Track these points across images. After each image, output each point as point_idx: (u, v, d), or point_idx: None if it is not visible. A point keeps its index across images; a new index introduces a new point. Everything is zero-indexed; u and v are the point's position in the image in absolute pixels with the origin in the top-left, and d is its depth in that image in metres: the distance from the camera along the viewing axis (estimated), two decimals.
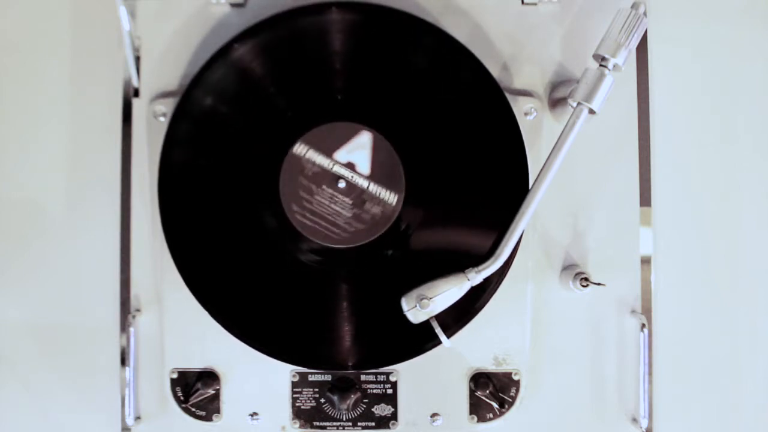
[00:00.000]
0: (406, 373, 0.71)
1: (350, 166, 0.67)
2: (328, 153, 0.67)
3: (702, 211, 0.75)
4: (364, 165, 0.67)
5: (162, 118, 0.70)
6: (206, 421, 0.71)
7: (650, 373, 0.71)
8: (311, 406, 0.71)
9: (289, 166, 0.67)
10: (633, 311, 0.72)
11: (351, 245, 0.67)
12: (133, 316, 0.71)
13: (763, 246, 0.75)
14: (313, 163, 0.67)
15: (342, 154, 0.67)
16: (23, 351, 0.75)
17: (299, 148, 0.67)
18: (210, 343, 0.70)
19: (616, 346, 0.72)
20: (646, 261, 0.73)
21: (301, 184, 0.67)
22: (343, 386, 0.70)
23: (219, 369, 0.71)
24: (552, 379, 0.73)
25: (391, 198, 0.67)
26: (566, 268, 0.72)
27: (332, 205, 0.67)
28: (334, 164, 0.67)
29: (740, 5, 0.76)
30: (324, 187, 0.67)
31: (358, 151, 0.67)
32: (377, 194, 0.67)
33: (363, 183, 0.67)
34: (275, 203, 0.67)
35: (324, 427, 0.71)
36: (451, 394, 0.71)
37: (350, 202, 0.67)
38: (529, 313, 0.71)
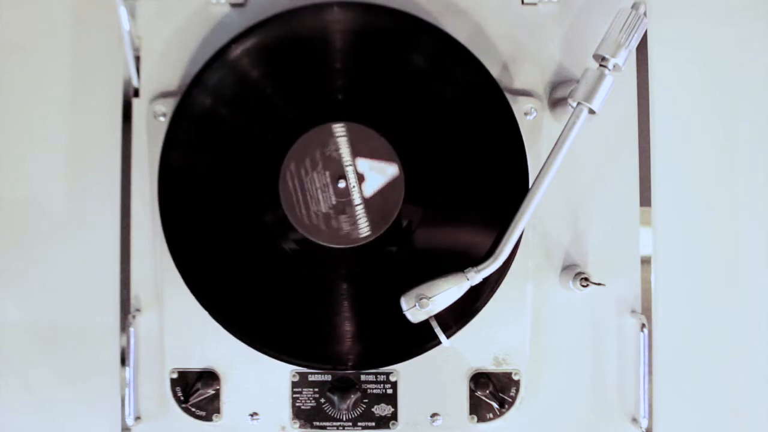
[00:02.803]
0: (406, 373, 0.71)
1: (360, 178, 0.67)
2: (355, 153, 0.67)
3: (702, 211, 0.75)
4: (371, 188, 0.67)
5: (162, 118, 0.70)
6: (206, 421, 0.71)
7: (650, 373, 0.71)
8: (311, 406, 0.71)
9: (315, 135, 0.66)
10: (633, 311, 0.72)
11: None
12: (133, 316, 0.71)
13: (763, 246, 0.75)
14: (337, 149, 0.66)
15: (363, 163, 0.67)
16: (23, 351, 0.75)
17: (338, 129, 0.66)
18: (210, 343, 0.70)
19: (616, 346, 0.72)
20: (646, 261, 0.73)
21: (313, 155, 0.66)
22: (343, 386, 0.70)
23: (219, 369, 0.71)
24: (552, 379, 0.73)
25: (364, 230, 0.67)
26: (566, 268, 0.72)
27: (318, 191, 0.67)
28: (351, 165, 0.67)
29: (740, 5, 0.76)
30: (327, 173, 0.67)
31: (377, 174, 0.66)
32: (357, 217, 0.67)
33: (357, 199, 0.67)
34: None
35: (324, 427, 0.71)
36: (451, 394, 0.71)
37: (334, 202, 0.67)
38: (529, 313, 0.71)
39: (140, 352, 0.72)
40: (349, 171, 0.67)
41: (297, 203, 0.67)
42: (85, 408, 0.74)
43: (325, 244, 0.67)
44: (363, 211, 0.67)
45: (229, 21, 0.72)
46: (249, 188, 0.68)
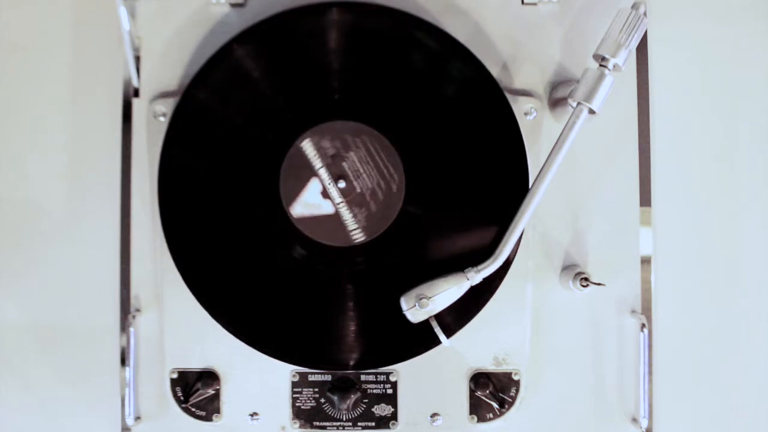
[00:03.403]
0: (406, 373, 0.71)
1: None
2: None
3: (702, 211, 0.75)
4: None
5: (162, 118, 0.70)
6: (206, 421, 0.71)
7: (650, 373, 0.71)
8: (311, 406, 0.71)
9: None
10: (633, 311, 0.72)
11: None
12: (133, 316, 0.71)
13: (763, 246, 0.75)
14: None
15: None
16: (23, 351, 0.75)
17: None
18: (210, 343, 0.70)
19: (616, 346, 0.72)
20: (646, 261, 0.73)
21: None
22: (343, 386, 0.70)
23: (219, 369, 0.71)
24: (552, 379, 0.73)
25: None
26: (566, 268, 0.72)
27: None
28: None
29: (740, 5, 0.76)
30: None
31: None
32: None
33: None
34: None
35: (324, 427, 0.71)
36: (451, 394, 0.71)
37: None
38: (529, 313, 0.71)
39: (140, 352, 0.72)
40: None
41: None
42: (85, 408, 0.74)
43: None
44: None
45: (229, 21, 0.72)
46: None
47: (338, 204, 0.67)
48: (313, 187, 0.67)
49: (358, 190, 0.67)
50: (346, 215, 0.67)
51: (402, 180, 0.67)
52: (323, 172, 0.67)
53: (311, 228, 0.67)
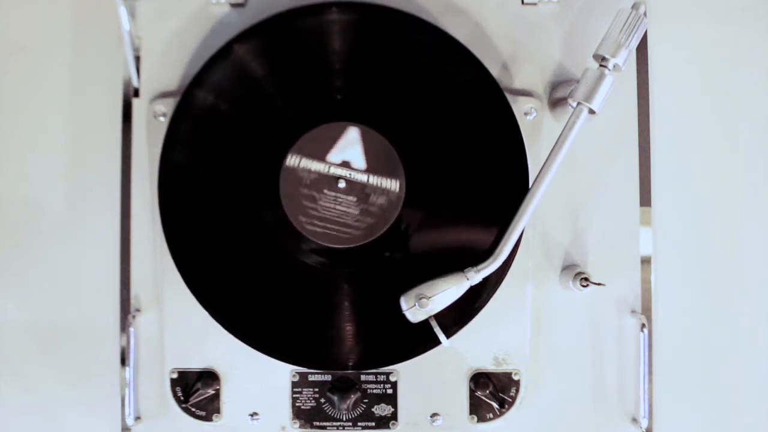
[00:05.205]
0: (406, 373, 0.71)
1: (345, 164, 0.67)
2: (321, 157, 0.67)
3: (702, 211, 0.75)
4: (359, 160, 0.67)
5: (162, 118, 0.70)
6: (206, 421, 0.71)
7: (650, 373, 0.71)
8: (311, 406, 0.71)
9: (286, 178, 0.67)
10: (633, 311, 0.72)
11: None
12: (133, 316, 0.71)
13: (763, 246, 0.75)
14: (309, 171, 0.67)
15: (335, 155, 0.67)
16: (23, 351, 0.75)
17: (292, 160, 0.66)
18: (210, 343, 0.70)
19: (616, 346, 0.72)
20: (646, 261, 0.73)
21: (302, 194, 0.67)
22: (343, 386, 0.70)
23: (219, 369, 0.71)
24: (552, 379, 0.73)
25: (393, 185, 0.67)
26: (566, 268, 0.72)
27: (338, 207, 0.67)
28: (329, 167, 0.67)
29: (740, 5, 0.76)
30: (325, 191, 0.67)
31: (350, 148, 0.66)
32: (379, 185, 0.67)
33: (362, 177, 0.67)
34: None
35: (324, 427, 0.71)
36: (451, 394, 0.71)
37: (354, 199, 0.67)
38: (529, 313, 0.71)
39: (140, 352, 0.72)
40: (335, 171, 0.67)
41: (319, 228, 0.67)
42: (85, 408, 0.74)
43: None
44: (375, 177, 0.66)
45: (229, 21, 0.72)
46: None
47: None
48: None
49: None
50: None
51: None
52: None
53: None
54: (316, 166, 0.67)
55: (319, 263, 0.68)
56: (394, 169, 0.67)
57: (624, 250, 0.73)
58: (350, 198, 0.67)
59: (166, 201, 0.68)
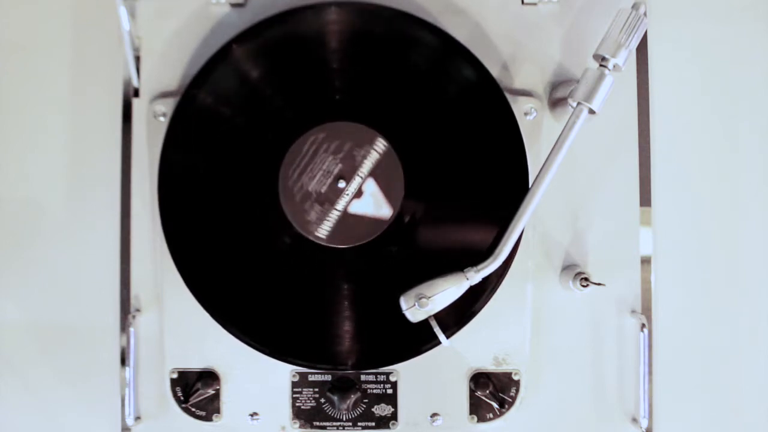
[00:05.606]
0: (406, 373, 0.71)
1: (359, 194, 0.67)
2: (374, 172, 0.67)
3: (702, 211, 0.75)
4: (357, 208, 0.67)
5: (162, 118, 0.70)
6: (206, 421, 0.71)
7: (650, 373, 0.71)
8: (311, 406, 0.71)
9: (351, 130, 0.67)
10: (633, 311, 0.72)
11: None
12: (133, 316, 0.71)
13: (763, 246, 0.75)
14: (365, 156, 0.67)
15: (371, 185, 0.67)
16: (23, 351, 0.75)
17: (381, 143, 0.67)
18: (210, 343, 0.70)
19: (616, 346, 0.72)
20: (646, 261, 0.73)
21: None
22: (343, 386, 0.70)
23: (219, 369, 0.71)
24: (552, 379, 0.73)
25: (323, 233, 0.67)
26: (566, 268, 0.72)
27: (319, 172, 0.66)
28: (362, 177, 0.67)
29: (740, 5, 0.76)
30: (339, 165, 0.67)
31: (372, 203, 0.67)
32: (327, 219, 0.67)
33: (339, 206, 0.67)
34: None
35: (324, 427, 0.71)
36: (451, 394, 0.71)
37: (323, 191, 0.67)
38: (529, 313, 0.71)
39: (140, 352, 0.72)
40: (356, 181, 0.67)
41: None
42: (85, 408, 0.74)
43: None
44: (336, 218, 0.67)
45: (229, 21, 0.72)
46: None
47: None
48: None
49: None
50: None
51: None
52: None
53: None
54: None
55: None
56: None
57: (624, 250, 0.72)
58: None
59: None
